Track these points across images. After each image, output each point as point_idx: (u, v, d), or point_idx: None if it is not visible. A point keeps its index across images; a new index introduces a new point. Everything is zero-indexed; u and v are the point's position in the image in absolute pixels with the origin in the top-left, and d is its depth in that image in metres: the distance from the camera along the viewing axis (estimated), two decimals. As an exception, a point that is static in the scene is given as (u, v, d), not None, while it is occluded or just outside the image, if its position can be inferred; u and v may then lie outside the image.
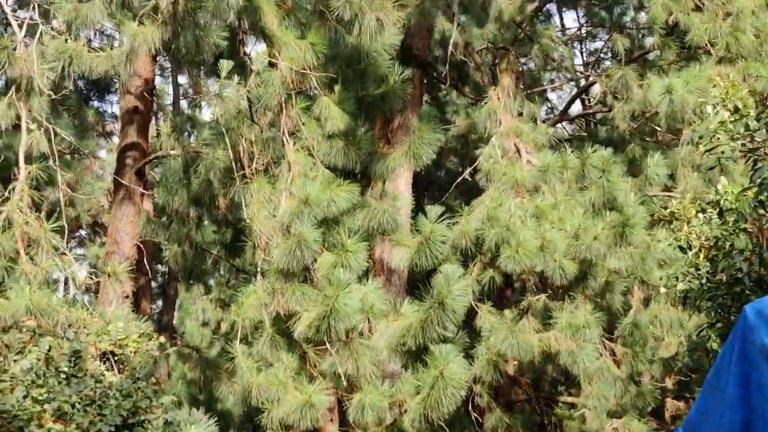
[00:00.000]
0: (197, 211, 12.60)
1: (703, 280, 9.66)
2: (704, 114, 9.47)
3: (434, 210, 10.72)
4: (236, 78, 10.55)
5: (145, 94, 14.06)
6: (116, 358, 5.53)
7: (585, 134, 21.66)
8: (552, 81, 24.19)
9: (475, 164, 14.22)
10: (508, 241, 11.67)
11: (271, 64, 10.89)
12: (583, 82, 22.72)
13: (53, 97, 10.01)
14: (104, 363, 5.47)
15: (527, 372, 15.06)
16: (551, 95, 27.64)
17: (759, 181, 8.66)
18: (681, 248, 10.10)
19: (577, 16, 25.36)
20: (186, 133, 12.69)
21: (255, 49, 11.41)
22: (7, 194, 9.90)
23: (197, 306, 27.17)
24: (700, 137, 9.46)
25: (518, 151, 14.08)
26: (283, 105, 10.92)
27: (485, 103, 15.09)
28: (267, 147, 11.25)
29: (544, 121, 18.43)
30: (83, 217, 21.25)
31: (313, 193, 10.22)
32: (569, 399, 14.91)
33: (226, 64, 9.94)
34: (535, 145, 14.38)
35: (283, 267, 10.27)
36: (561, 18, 26.37)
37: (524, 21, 16.84)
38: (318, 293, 10.11)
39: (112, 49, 10.03)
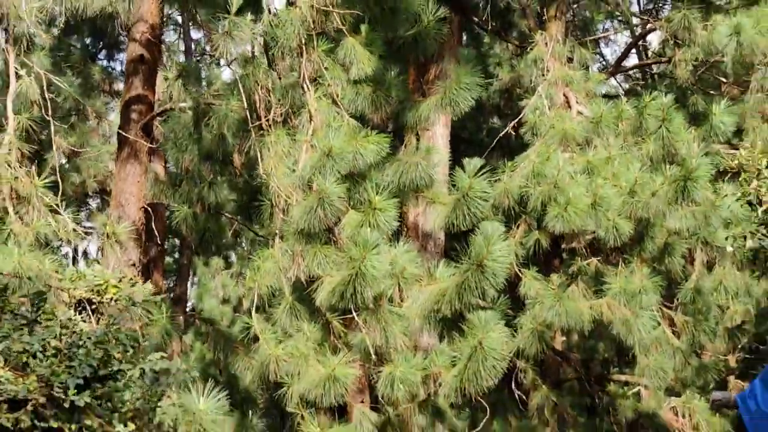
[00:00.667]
0: (210, 169, 12.33)
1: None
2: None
3: (473, 163, 10.37)
4: (250, 16, 10.23)
5: (152, 41, 13.80)
6: (93, 307, 5.26)
7: (641, 89, 21.12)
8: (606, 30, 23.74)
9: (520, 117, 13.86)
10: (556, 198, 11.34)
11: (290, 3, 10.60)
12: (639, 31, 22.28)
13: (43, 38, 9.65)
14: (79, 312, 5.20)
15: (576, 348, 14.73)
16: (605, 50, 27.18)
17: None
18: (750, 203, 9.81)
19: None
20: (196, 83, 12.40)
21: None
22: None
23: (217, 281, 27.07)
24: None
25: (568, 101, 13.72)
26: (304, 47, 10.62)
27: (531, 50, 14.73)
28: (286, 95, 10.99)
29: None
30: (89, 183, 21.15)
31: (337, 144, 9.91)
32: (623, 377, 14.56)
33: (236, -1, 9.63)
34: (587, 94, 14.00)
35: (304, 227, 9.98)
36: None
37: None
38: (342, 256, 9.82)
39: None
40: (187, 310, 23.32)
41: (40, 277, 7.11)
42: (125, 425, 4.95)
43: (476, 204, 10.46)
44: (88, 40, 25.10)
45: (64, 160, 19.10)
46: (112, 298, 5.37)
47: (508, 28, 18.90)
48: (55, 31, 20.03)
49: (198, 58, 22.96)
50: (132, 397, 5.09)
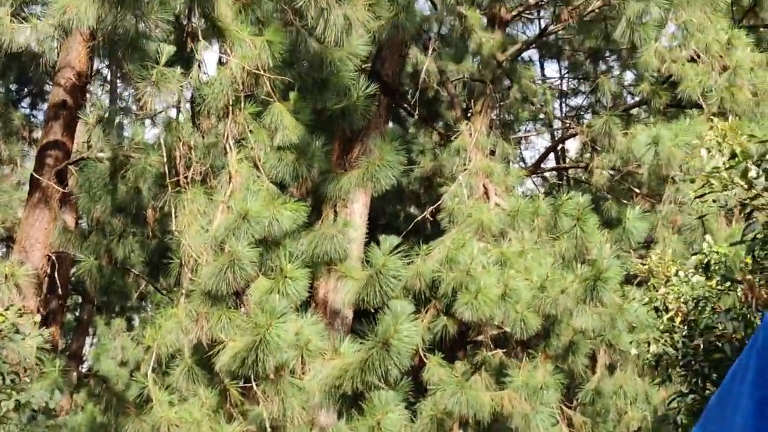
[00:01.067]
0: (122, 222, 11.94)
1: (679, 344, 9.28)
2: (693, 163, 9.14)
3: (390, 241, 10.20)
4: (179, 69, 9.99)
5: (77, 87, 13.44)
6: None
7: (557, 191, 21.29)
8: (528, 131, 23.99)
9: (439, 203, 13.78)
10: (467, 286, 11.23)
11: (221, 63, 10.40)
12: (559, 135, 22.54)
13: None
14: None
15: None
16: (525, 153, 27.50)
17: (752, 235, 8.30)
18: (656, 309, 9.73)
19: (560, 68, 25.36)
20: (117, 134, 12.03)
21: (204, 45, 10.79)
22: None
23: (117, 343, 26.31)
24: (692, 180, 9.07)
25: (487, 192, 13.70)
26: (231, 108, 10.39)
27: (455, 138, 14.72)
28: (207, 154, 10.71)
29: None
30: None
31: (254, 207, 9.68)
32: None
33: (167, 49, 9.39)
34: (506, 188, 14.00)
35: (211, 288, 9.66)
36: (542, 68, 26.39)
37: (504, 60, 16.46)
38: (248, 321, 9.51)
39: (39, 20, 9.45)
40: (82, 369, 22.57)
41: None
42: None
43: (388, 282, 10.26)
44: (13, 86, 24.65)
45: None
46: (-4, 327, 4.96)
47: (435, 117, 18.94)
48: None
49: (121, 108, 22.60)
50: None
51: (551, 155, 23.12)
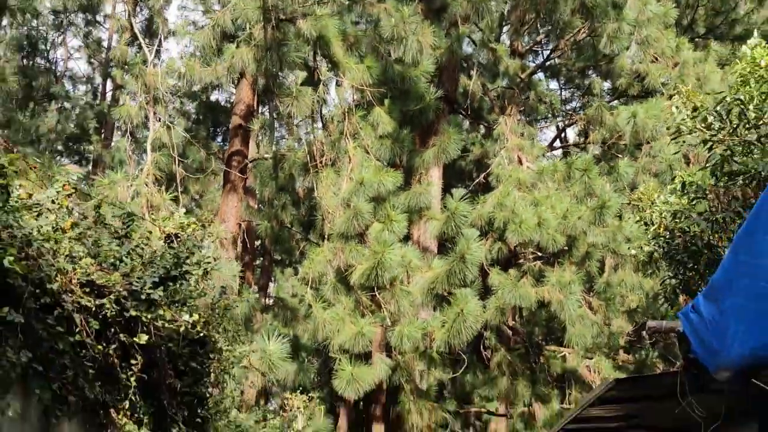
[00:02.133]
0: (282, 197, 11.65)
1: (664, 245, 8.57)
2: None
3: (459, 192, 9.84)
4: (310, 90, 9.63)
5: (247, 114, 13.23)
6: (179, 239, 4.57)
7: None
8: (543, 121, 23.11)
9: (489, 170, 13.16)
10: (513, 220, 10.61)
11: (338, 84, 9.99)
12: (562, 126, 21.65)
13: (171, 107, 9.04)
14: (169, 243, 4.51)
15: (524, 325, 13.87)
16: (540, 136, 26.65)
17: (713, 161, 7.57)
18: (645, 224, 8.99)
19: (558, 82, 24.44)
20: (274, 141, 11.79)
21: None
22: (137, 173, 9.02)
23: (288, 283, 26.30)
24: (668, 128, 8.33)
25: (520, 160, 13.00)
26: (346, 114, 9.99)
27: (496, 128, 14.08)
28: (333, 146, 10.33)
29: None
30: (207, 215, 20.51)
31: (366, 176, 9.33)
32: (554, 348, 13.69)
33: (300, 75, 9.03)
34: (533, 156, 13.29)
35: (343, 231, 9.33)
36: (547, 84, 25.45)
37: (525, 77, 15.74)
38: (369, 251, 9.13)
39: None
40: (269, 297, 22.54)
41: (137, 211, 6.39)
42: (190, 315, 4.23)
43: (460, 220, 9.77)
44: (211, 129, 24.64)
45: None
46: (192, 232, 4.66)
47: (480, 118, 18.21)
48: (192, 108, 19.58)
49: (276, 121, 22.50)
50: (194, 291, 4.38)
51: (557, 141, 22.25)
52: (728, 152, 7.59)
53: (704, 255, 8.21)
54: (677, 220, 8.44)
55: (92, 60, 25.21)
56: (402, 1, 9.27)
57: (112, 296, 3.85)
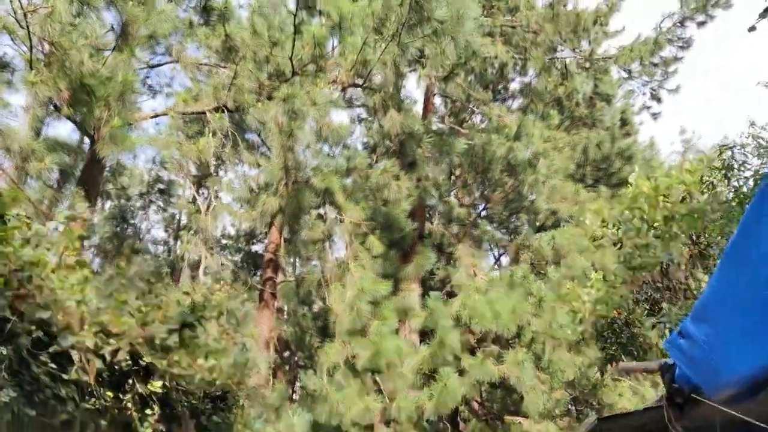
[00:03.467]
0: (303, 309, 10.79)
1: (590, 326, 7.82)
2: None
3: (435, 293, 9.03)
4: (322, 224, 9.11)
5: (277, 250, 12.59)
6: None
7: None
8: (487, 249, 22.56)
9: (452, 282, 12.44)
10: (475, 315, 9.77)
11: (341, 221, 9.50)
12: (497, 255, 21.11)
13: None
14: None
15: (489, 400, 12.56)
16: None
17: (624, 256, 7.03)
18: (574, 312, 8.27)
19: (492, 227, 24.25)
20: (295, 267, 11.13)
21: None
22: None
23: (310, 379, 24.44)
24: (585, 234, 7.82)
25: (475, 273, 12.34)
26: (348, 242, 9.42)
27: (455, 253, 13.51)
28: (340, 267, 9.67)
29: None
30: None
31: (366, 285, 8.60)
32: (512, 418, 12.31)
33: (314, 215, 8.52)
34: (483, 272, 12.64)
35: (350, 329, 8.44)
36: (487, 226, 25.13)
37: (471, 220, 15.45)
38: (370, 342, 8.21)
39: (252, 210, 8.67)
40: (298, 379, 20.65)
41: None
42: (206, 359, 3.34)
43: (437, 315, 8.95)
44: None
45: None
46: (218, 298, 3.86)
47: (442, 249, 17.72)
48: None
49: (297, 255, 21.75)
50: (209, 337, 3.50)
51: (496, 265, 21.62)
52: (635, 250, 7.11)
53: (624, 332, 7.48)
54: (598, 307, 7.78)
55: (168, 228, 24.87)
56: (385, 157, 9.05)
57: (125, 343, 2.92)
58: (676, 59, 15.67)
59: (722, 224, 5.53)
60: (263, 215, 8.80)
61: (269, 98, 8.39)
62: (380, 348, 7.79)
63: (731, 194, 5.55)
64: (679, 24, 14.96)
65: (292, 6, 10.88)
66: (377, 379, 8.24)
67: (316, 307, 11.31)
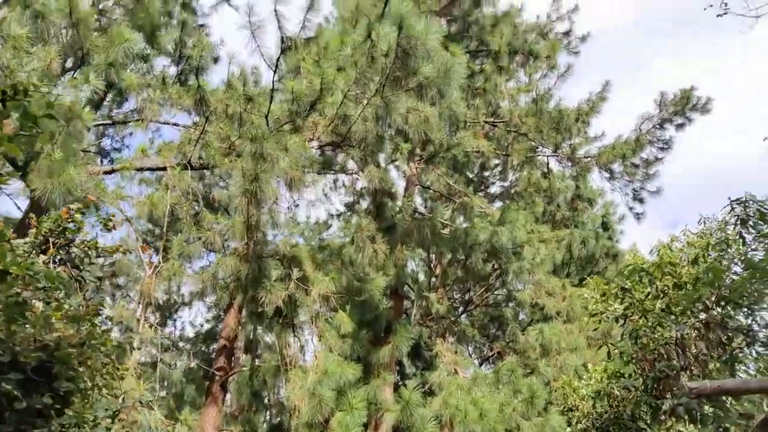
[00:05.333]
0: (256, 402, 9.41)
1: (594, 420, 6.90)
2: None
3: (412, 383, 7.93)
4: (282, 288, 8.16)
5: (231, 337, 11.32)
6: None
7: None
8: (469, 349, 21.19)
9: (431, 381, 11.24)
10: (458, 414, 8.61)
11: (307, 293, 8.59)
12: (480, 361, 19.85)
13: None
14: None
15: None
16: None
17: (629, 330, 6.35)
18: (570, 409, 7.37)
19: (474, 328, 23.15)
20: (252, 357, 9.85)
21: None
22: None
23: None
24: (586, 308, 7.09)
25: (456, 371, 11.21)
26: (314, 318, 8.44)
27: (435, 348, 12.43)
28: (301, 349, 8.59)
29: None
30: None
31: (330, 367, 7.53)
32: None
33: (279, 286, 7.63)
34: (465, 369, 11.54)
35: (308, 420, 7.20)
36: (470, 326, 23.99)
37: (452, 319, 14.59)
38: (332, 436, 6.96)
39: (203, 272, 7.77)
40: None
41: None
42: None
43: (414, 410, 7.77)
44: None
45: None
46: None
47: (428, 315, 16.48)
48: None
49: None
50: None
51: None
52: (640, 326, 6.39)
53: (631, 427, 6.52)
54: (599, 400, 6.87)
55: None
56: (361, 216, 8.42)
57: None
58: (657, 160, 16.02)
59: (747, 277, 4.91)
60: (215, 273, 7.87)
61: (239, 156, 7.91)
62: (344, 443, 6.57)
63: (755, 244, 5.00)
64: (658, 126, 15.47)
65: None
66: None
67: (271, 400, 9.93)
